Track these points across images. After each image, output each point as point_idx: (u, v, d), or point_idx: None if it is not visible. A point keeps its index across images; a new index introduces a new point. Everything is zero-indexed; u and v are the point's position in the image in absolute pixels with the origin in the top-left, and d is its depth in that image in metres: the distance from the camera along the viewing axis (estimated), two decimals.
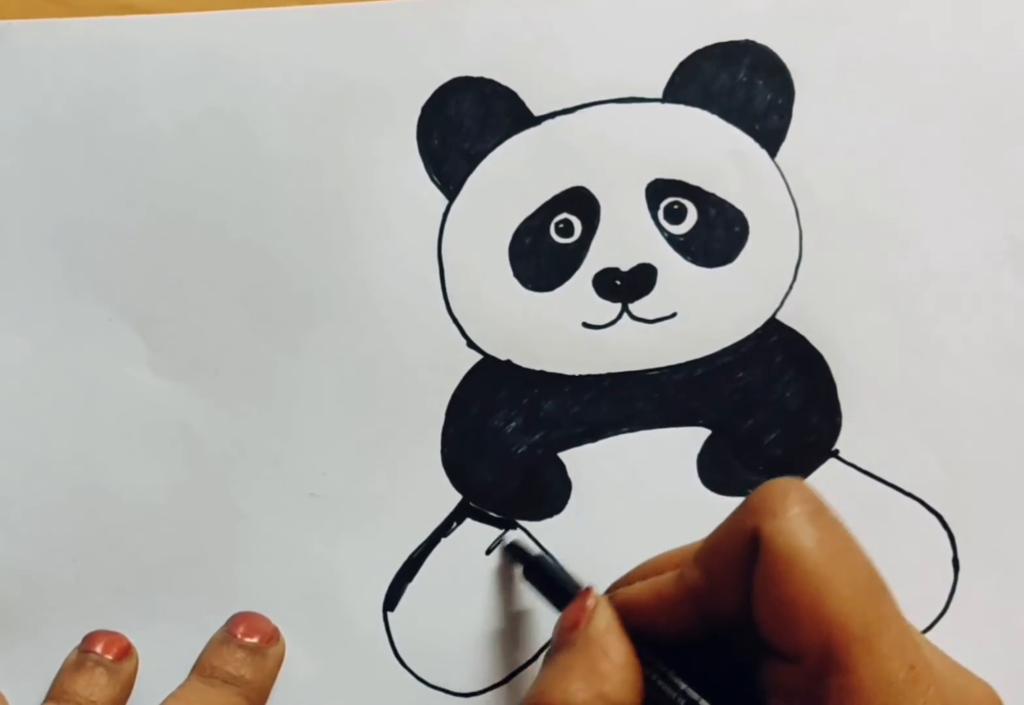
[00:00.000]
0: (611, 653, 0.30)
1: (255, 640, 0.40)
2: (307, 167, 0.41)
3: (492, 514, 0.41)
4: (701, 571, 0.30)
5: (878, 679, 0.27)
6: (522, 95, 0.41)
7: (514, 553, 0.40)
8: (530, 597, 0.39)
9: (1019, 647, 0.41)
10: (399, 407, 0.41)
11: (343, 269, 0.41)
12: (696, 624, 0.30)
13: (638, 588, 0.32)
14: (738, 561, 0.29)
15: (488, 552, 0.41)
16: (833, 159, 0.41)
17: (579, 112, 0.41)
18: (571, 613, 0.32)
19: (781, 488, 0.29)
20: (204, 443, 0.41)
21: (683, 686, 0.30)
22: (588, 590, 0.32)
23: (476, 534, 0.41)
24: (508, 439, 0.41)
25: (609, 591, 0.33)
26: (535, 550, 0.39)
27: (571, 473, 0.41)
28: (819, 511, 0.28)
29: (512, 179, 0.41)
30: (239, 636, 0.40)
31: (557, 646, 0.31)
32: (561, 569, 0.37)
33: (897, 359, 0.41)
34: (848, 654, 0.27)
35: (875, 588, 0.28)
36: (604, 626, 0.31)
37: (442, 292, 0.41)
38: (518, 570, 0.39)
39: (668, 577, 0.31)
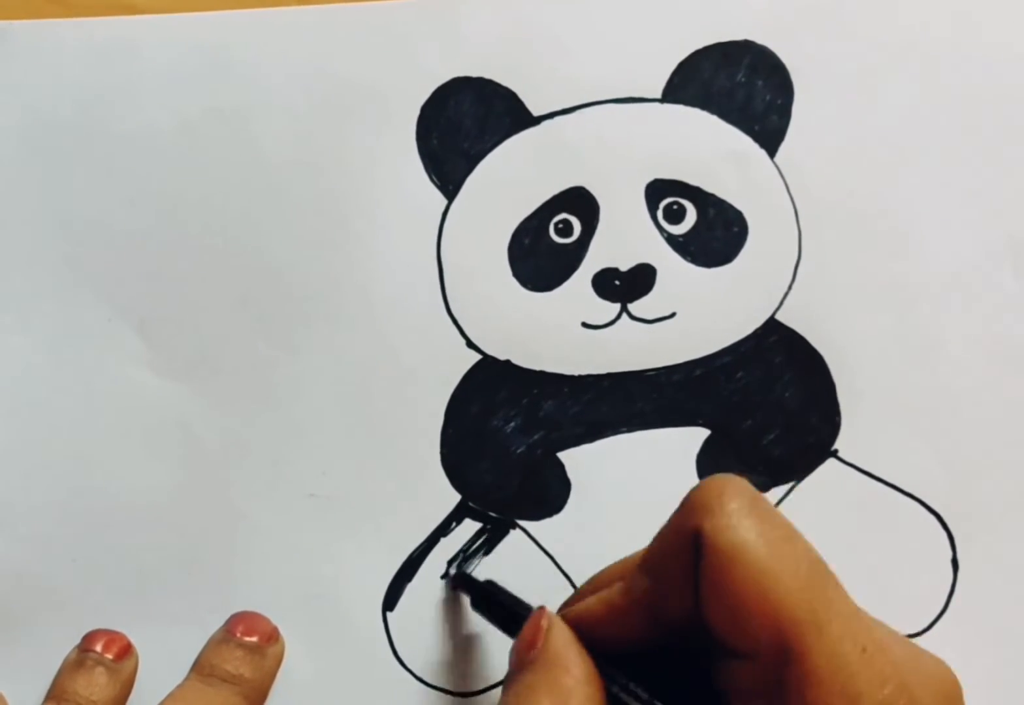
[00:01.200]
0: (572, 669, 0.30)
1: (254, 639, 0.40)
2: (307, 167, 0.41)
3: (491, 514, 0.41)
4: (648, 577, 0.30)
5: (832, 663, 0.27)
6: (521, 95, 0.41)
7: (461, 583, 0.40)
8: (530, 595, 0.39)
9: (1018, 647, 0.41)
10: (398, 407, 0.41)
11: (342, 269, 0.41)
12: (650, 632, 0.30)
13: (589, 603, 0.31)
14: (683, 563, 0.28)
15: (443, 577, 0.40)
16: (832, 159, 0.41)
17: (578, 112, 0.41)
18: (526, 634, 0.31)
19: (717, 485, 0.29)
20: (204, 443, 0.41)
21: (645, 696, 0.30)
22: (541, 609, 0.32)
23: None
24: (507, 439, 0.41)
25: (561, 610, 0.33)
26: (481, 578, 0.39)
27: (570, 473, 0.41)
28: (756, 504, 0.28)
29: (511, 179, 0.41)
30: (238, 635, 0.40)
31: (516, 668, 0.31)
32: (510, 594, 0.37)
33: (897, 359, 0.41)
34: (800, 642, 0.27)
35: (820, 574, 0.28)
36: (562, 643, 0.31)
37: (441, 292, 0.41)
38: (466, 599, 0.39)
39: (616, 588, 0.31)
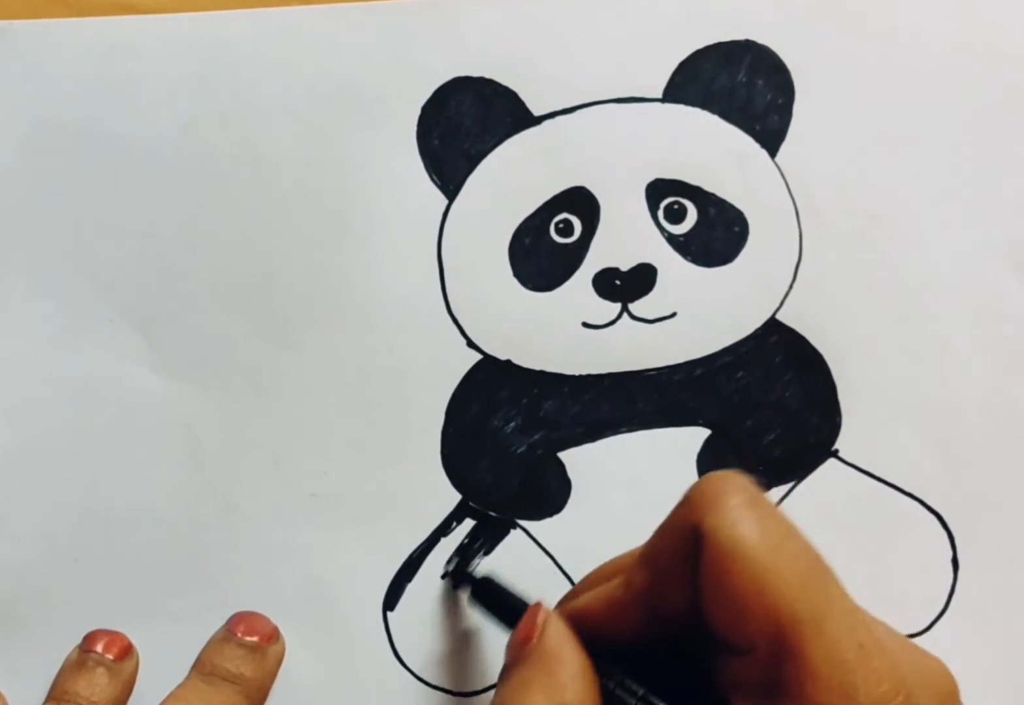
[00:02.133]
0: (567, 663, 0.30)
1: (255, 639, 0.40)
2: (307, 167, 0.41)
3: (492, 514, 0.41)
4: (647, 572, 0.30)
5: (830, 660, 0.27)
6: (522, 95, 0.41)
7: (459, 578, 0.40)
8: (531, 595, 0.39)
9: (1019, 646, 0.41)
10: (399, 407, 0.41)
11: (343, 269, 0.41)
12: (648, 627, 0.30)
13: (587, 598, 0.32)
14: (683, 558, 0.29)
15: (443, 576, 0.41)
16: (833, 159, 0.41)
17: (579, 112, 0.41)
18: (522, 629, 0.31)
19: (717, 481, 0.29)
20: (205, 443, 0.41)
21: (641, 692, 0.30)
22: (538, 605, 0.32)
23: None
24: (508, 439, 0.41)
25: (559, 605, 0.33)
26: (480, 573, 0.39)
27: (571, 473, 0.41)
28: (756, 501, 0.29)
29: (512, 179, 0.41)
30: (239, 635, 0.40)
31: (512, 662, 0.31)
32: (508, 590, 0.37)
33: (897, 359, 0.41)
34: (799, 638, 0.27)
35: (819, 571, 0.28)
36: (557, 637, 0.31)
37: (442, 292, 0.41)
38: (464, 594, 0.39)
39: (615, 583, 0.31)
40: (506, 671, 0.31)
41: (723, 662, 0.29)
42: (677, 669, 0.30)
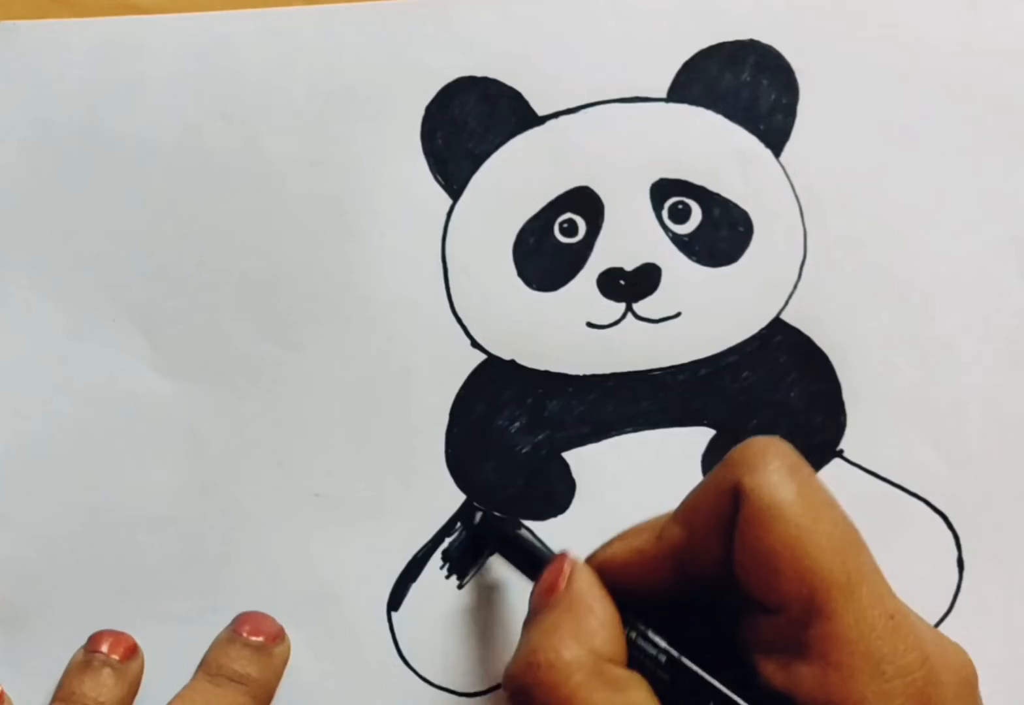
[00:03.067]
0: (596, 610, 0.30)
1: (260, 639, 0.40)
2: (311, 167, 0.41)
3: (496, 514, 0.41)
4: (682, 528, 0.30)
5: (861, 626, 0.27)
6: (526, 95, 0.41)
7: (488, 529, 0.40)
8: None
9: None
10: (403, 407, 0.41)
11: (347, 269, 0.41)
12: (676, 582, 0.31)
13: (617, 547, 0.32)
14: (719, 516, 0.29)
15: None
16: (838, 158, 0.41)
17: (583, 112, 0.41)
18: (549, 576, 0.32)
19: (761, 444, 0.30)
20: (208, 443, 0.41)
21: (663, 644, 0.30)
22: (563, 554, 0.32)
23: None
24: (512, 439, 0.41)
25: (589, 558, 0.33)
26: (511, 527, 0.39)
27: (575, 473, 0.41)
28: (798, 466, 0.29)
29: (516, 179, 0.41)
30: (245, 635, 0.40)
31: (537, 609, 0.31)
32: (535, 541, 0.37)
33: (902, 359, 0.41)
34: (831, 602, 0.27)
35: (853, 539, 0.29)
36: (586, 585, 0.31)
37: (446, 292, 0.41)
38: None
39: (648, 536, 0.31)
40: (532, 617, 0.31)
41: (750, 621, 0.29)
42: (701, 625, 0.31)
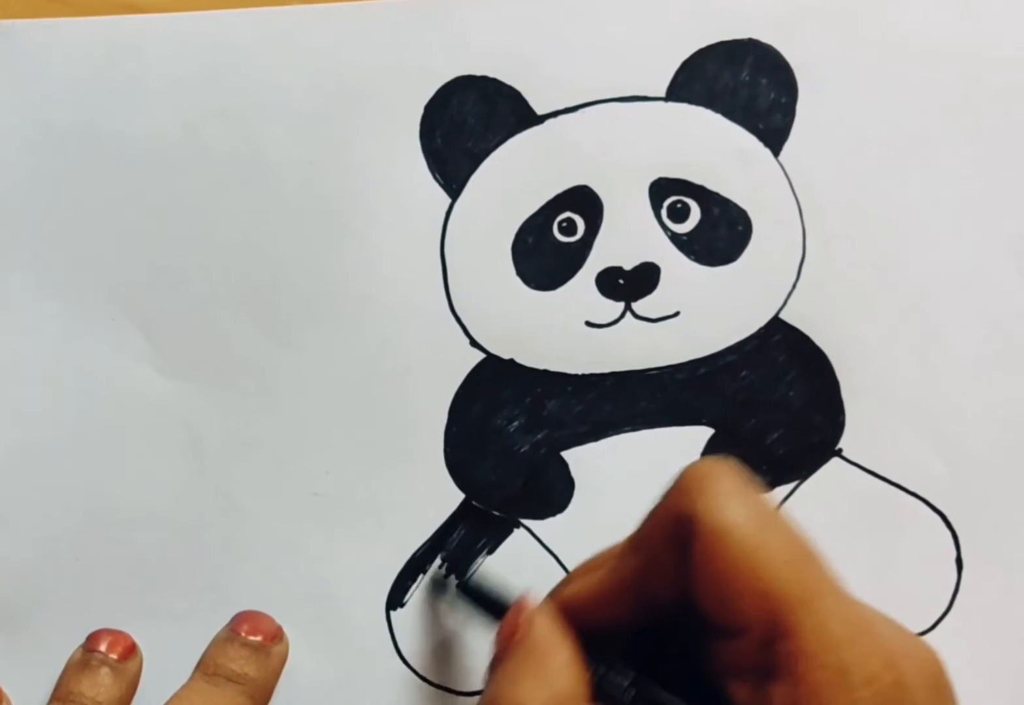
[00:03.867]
0: (556, 653, 0.30)
1: (259, 638, 0.40)
2: (310, 166, 0.41)
3: (495, 513, 0.41)
4: (637, 559, 0.30)
5: (822, 638, 0.27)
6: (525, 94, 0.41)
7: (442, 584, 0.40)
8: (515, 592, 0.39)
9: (1022, 646, 0.41)
10: (402, 406, 0.41)
11: (346, 268, 0.41)
12: (638, 613, 0.31)
13: (577, 586, 0.32)
14: (673, 544, 0.29)
15: (460, 585, 0.40)
16: (837, 158, 0.41)
17: (582, 111, 0.41)
18: (509, 621, 0.32)
19: (707, 467, 0.30)
20: (207, 442, 0.41)
21: (633, 676, 0.30)
22: (523, 597, 0.32)
23: None
24: (511, 438, 0.41)
25: (550, 595, 0.33)
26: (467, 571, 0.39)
27: (574, 472, 0.41)
28: (745, 485, 0.29)
29: (515, 178, 0.41)
30: (243, 634, 0.40)
31: (500, 656, 0.31)
32: (494, 585, 0.37)
33: (901, 358, 0.41)
34: (791, 617, 0.27)
35: (808, 553, 0.29)
36: (545, 628, 0.31)
37: (445, 291, 0.41)
38: (449, 596, 0.39)
39: (605, 570, 0.31)
40: (495, 664, 0.32)
41: (715, 646, 0.29)
42: (669, 653, 0.31)
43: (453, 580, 0.39)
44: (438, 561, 0.41)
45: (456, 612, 0.40)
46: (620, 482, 0.41)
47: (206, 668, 0.40)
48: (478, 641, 0.41)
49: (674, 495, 0.30)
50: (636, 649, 0.31)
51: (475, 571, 0.40)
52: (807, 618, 0.27)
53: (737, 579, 0.28)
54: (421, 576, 0.41)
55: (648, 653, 0.31)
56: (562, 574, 0.41)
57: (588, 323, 0.41)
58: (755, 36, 0.41)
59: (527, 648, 0.31)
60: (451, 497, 0.41)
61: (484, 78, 0.41)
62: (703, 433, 0.41)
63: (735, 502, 0.28)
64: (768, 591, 0.28)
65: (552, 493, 0.41)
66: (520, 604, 0.32)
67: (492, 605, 0.36)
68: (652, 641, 0.31)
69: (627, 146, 0.41)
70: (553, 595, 0.33)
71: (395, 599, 0.41)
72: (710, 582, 0.28)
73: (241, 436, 0.41)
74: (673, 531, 0.29)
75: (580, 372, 0.41)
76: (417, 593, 0.41)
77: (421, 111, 0.41)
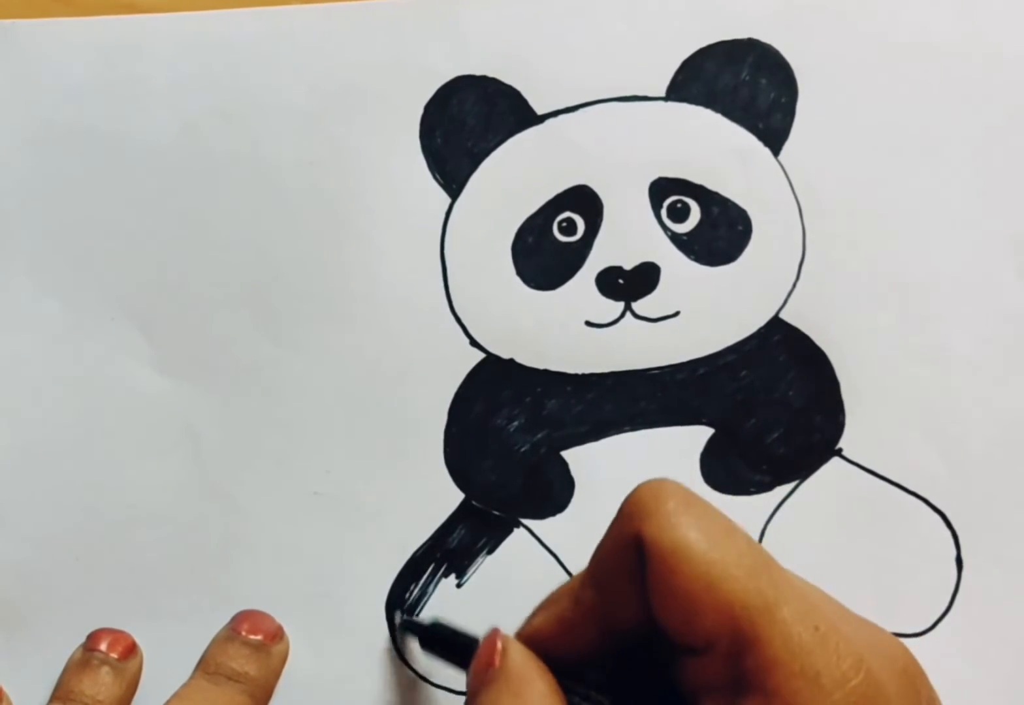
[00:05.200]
0: (533, 683, 0.30)
1: (259, 638, 0.40)
2: (310, 166, 0.41)
3: (495, 513, 0.41)
4: (594, 589, 0.30)
5: (788, 645, 0.27)
6: (525, 93, 0.41)
7: (407, 628, 0.40)
8: (533, 594, 0.39)
9: (1022, 646, 0.41)
10: (402, 406, 0.41)
11: (346, 268, 0.41)
12: (604, 642, 0.30)
13: (540, 620, 0.32)
14: (627, 569, 0.29)
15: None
16: (836, 157, 0.41)
17: (582, 110, 0.41)
18: (483, 654, 0.31)
19: (651, 489, 0.29)
20: (207, 442, 0.41)
21: (608, 701, 0.30)
22: (495, 631, 0.32)
23: None
24: (511, 438, 0.41)
25: (516, 634, 0.33)
26: (427, 620, 0.38)
27: (574, 472, 0.41)
28: (691, 502, 0.29)
29: (515, 178, 0.41)
30: (243, 634, 0.40)
31: (476, 689, 0.31)
32: (457, 631, 0.37)
33: (901, 358, 0.41)
34: (753, 628, 0.27)
35: (763, 561, 0.29)
36: (520, 659, 0.31)
37: (445, 291, 0.41)
38: (414, 643, 0.38)
39: (566, 603, 0.31)
40: (471, 698, 0.31)
41: (685, 665, 0.29)
42: (641, 676, 0.31)
43: (413, 629, 0.39)
44: (398, 614, 0.40)
45: (457, 611, 0.41)
46: (620, 482, 0.41)
47: (207, 667, 0.40)
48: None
49: (623, 520, 0.29)
50: (609, 675, 0.31)
51: (474, 571, 0.40)
52: (770, 627, 0.27)
53: (695, 596, 0.28)
54: (424, 577, 0.41)
55: (621, 678, 0.31)
56: (562, 574, 0.41)
57: (588, 323, 0.41)
58: (755, 36, 0.41)
59: (504, 679, 0.30)
60: (451, 497, 0.41)
61: (484, 78, 0.41)
62: (703, 433, 0.41)
63: (683, 520, 0.28)
64: (728, 603, 0.27)
65: (552, 493, 0.41)
66: (492, 638, 0.32)
67: (458, 653, 0.36)
68: (624, 665, 0.31)
69: (627, 146, 0.41)
70: (519, 632, 0.32)
71: (395, 599, 0.41)
72: (669, 602, 0.28)
73: (241, 436, 0.41)
74: (625, 557, 0.29)
75: (580, 372, 0.41)
76: (416, 593, 0.41)
77: (421, 111, 0.41)
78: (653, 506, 0.29)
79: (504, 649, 0.31)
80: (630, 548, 0.29)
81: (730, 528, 0.29)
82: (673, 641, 0.28)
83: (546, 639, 0.31)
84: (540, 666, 0.31)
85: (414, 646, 0.39)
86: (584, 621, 0.30)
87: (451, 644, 0.37)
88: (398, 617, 0.40)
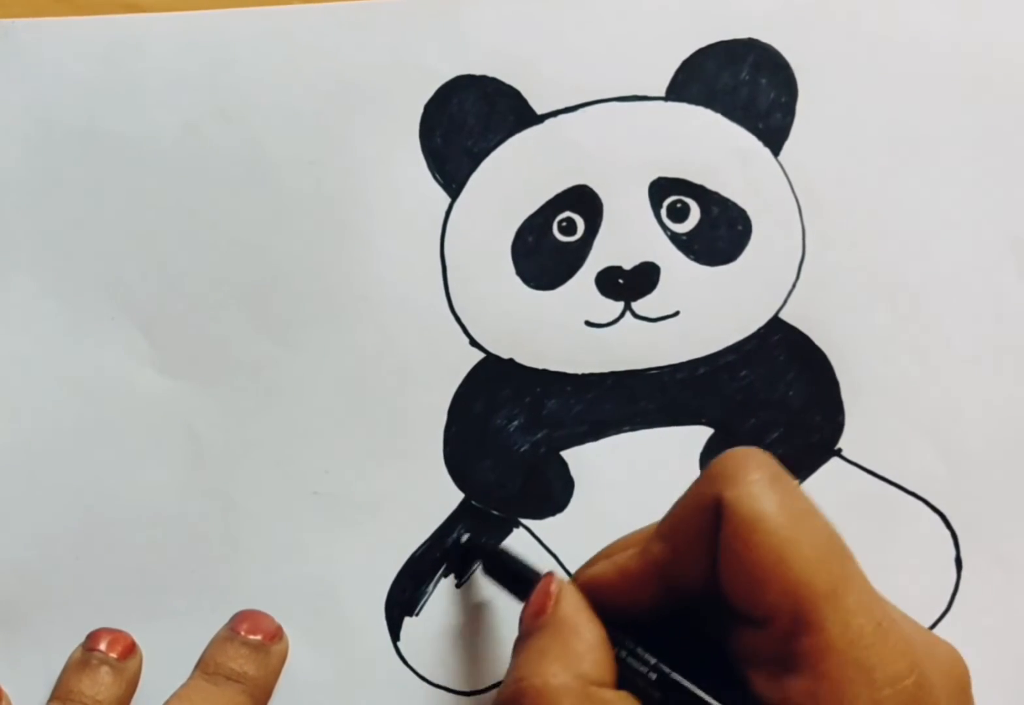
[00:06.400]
0: (583, 633, 0.30)
1: (258, 638, 0.40)
2: (310, 165, 0.41)
3: (494, 513, 0.41)
4: (665, 543, 0.30)
5: (847, 635, 0.27)
6: (525, 93, 0.41)
7: (471, 549, 0.40)
8: (544, 567, 0.39)
9: (1022, 646, 0.41)
10: (401, 406, 0.41)
11: (346, 268, 0.41)
12: (662, 598, 0.30)
13: (602, 567, 0.32)
14: (701, 530, 0.29)
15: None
16: (836, 157, 0.41)
17: (582, 110, 0.41)
18: (536, 599, 0.32)
19: (740, 456, 0.29)
20: (207, 441, 0.41)
21: (654, 661, 0.30)
22: (550, 575, 0.32)
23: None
24: (510, 438, 0.41)
25: (574, 576, 0.33)
26: (492, 545, 0.39)
27: (574, 472, 0.41)
28: (778, 476, 0.29)
29: (515, 177, 0.41)
30: (242, 634, 0.40)
31: (526, 633, 0.31)
32: (521, 560, 0.37)
33: (900, 358, 0.41)
34: (817, 612, 0.27)
35: (838, 548, 0.29)
36: (572, 607, 0.31)
37: (444, 291, 0.41)
38: (478, 567, 0.39)
39: (631, 553, 0.31)
40: (520, 642, 0.31)
41: (738, 634, 0.29)
42: (690, 641, 0.31)
43: (477, 553, 0.39)
44: (462, 537, 0.40)
45: (461, 611, 0.41)
46: (620, 482, 0.41)
47: (206, 667, 0.40)
48: (478, 640, 0.41)
49: (706, 482, 0.29)
50: (658, 633, 0.31)
51: (474, 571, 0.40)
52: (834, 614, 0.27)
53: (765, 569, 0.28)
54: (424, 577, 0.41)
55: (670, 638, 0.31)
56: (563, 574, 0.41)
57: (588, 323, 0.41)
58: (755, 36, 0.41)
59: (554, 627, 0.31)
60: (451, 497, 0.41)
61: (484, 77, 0.41)
62: (703, 433, 0.41)
63: (767, 492, 0.28)
64: (795, 582, 0.27)
65: (552, 493, 0.41)
66: (546, 582, 0.32)
67: (517, 582, 0.36)
68: (674, 626, 0.31)
69: (627, 146, 0.41)
70: (576, 576, 0.33)
71: (395, 599, 0.41)
72: (737, 571, 0.28)
73: (241, 436, 0.41)
74: (702, 518, 0.29)
75: (580, 372, 0.41)
76: (416, 593, 0.41)
77: (421, 110, 0.41)
78: (740, 472, 0.29)
79: (558, 595, 0.31)
80: (709, 510, 0.29)
81: (811, 510, 0.29)
82: (733, 609, 0.28)
83: (604, 587, 0.31)
84: (592, 616, 0.31)
85: (474, 570, 0.40)
86: (647, 574, 0.30)
87: (512, 573, 0.37)
88: (464, 537, 0.40)
